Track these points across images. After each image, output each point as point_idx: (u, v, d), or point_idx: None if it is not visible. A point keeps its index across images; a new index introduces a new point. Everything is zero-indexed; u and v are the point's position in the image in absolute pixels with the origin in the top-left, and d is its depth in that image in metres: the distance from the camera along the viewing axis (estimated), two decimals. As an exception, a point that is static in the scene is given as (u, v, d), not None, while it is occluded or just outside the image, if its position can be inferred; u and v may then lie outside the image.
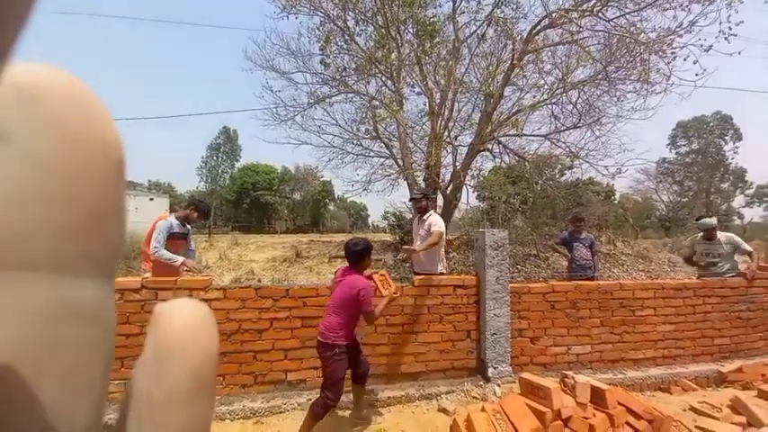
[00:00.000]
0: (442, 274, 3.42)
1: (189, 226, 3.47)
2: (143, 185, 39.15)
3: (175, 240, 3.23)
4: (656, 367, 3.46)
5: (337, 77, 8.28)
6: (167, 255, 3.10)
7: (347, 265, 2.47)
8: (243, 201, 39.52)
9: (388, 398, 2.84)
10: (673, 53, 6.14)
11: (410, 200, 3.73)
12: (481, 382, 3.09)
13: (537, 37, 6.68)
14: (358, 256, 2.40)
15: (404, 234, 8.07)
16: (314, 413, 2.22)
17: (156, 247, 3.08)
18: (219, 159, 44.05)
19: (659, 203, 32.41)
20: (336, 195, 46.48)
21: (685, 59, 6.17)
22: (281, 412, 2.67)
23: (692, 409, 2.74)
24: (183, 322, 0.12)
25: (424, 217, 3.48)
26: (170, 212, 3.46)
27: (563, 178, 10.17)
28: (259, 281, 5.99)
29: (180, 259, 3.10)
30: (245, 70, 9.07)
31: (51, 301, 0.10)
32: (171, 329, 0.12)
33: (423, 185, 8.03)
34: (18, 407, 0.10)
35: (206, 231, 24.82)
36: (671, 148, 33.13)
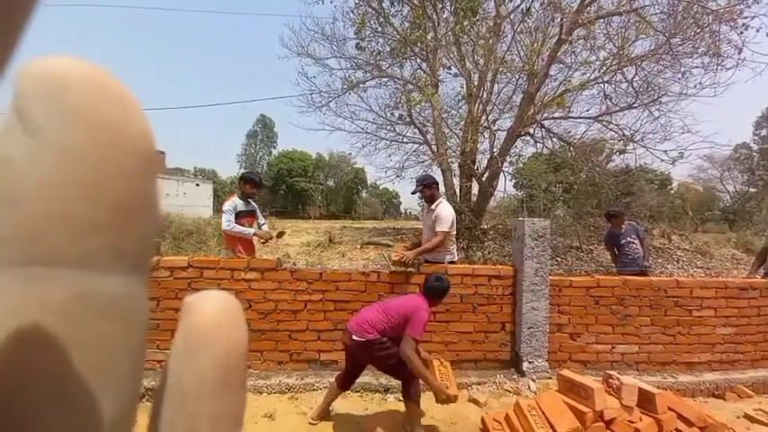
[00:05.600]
0: (452, 263, 3.28)
1: (253, 203, 3.55)
2: (189, 172, 41.80)
3: (241, 219, 3.37)
4: (711, 372, 3.17)
5: (371, 62, 8.15)
6: (238, 228, 3.24)
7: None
8: (279, 187, 40.97)
9: (418, 384, 2.85)
10: (744, 24, 5.39)
11: (412, 193, 3.48)
12: (515, 376, 3.00)
13: (589, 8, 6.09)
14: (436, 291, 2.33)
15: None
16: (413, 398, 2.26)
17: (227, 224, 3.24)
18: (257, 147, 45.84)
19: (723, 194, 29.16)
20: (369, 182, 46.77)
21: (758, 31, 5.42)
22: (314, 389, 2.78)
23: (746, 416, 2.59)
24: (212, 314, 0.12)
25: (432, 206, 3.25)
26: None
27: (611, 165, 9.39)
28: (294, 264, 6.22)
29: (251, 231, 3.24)
30: (282, 57, 9.14)
31: (74, 298, 0.10)
32: (200, 321, 0.12)
33: (457, 172, 7.80)
34: (42, 404, 0.10)
35: (246, 215, 26.20)
36: (755, 131, 29.27)
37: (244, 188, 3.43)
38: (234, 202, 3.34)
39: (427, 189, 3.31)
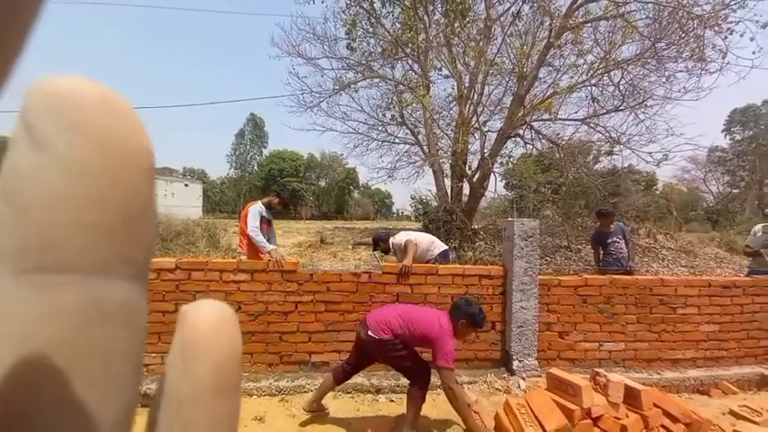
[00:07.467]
0: (446, 254, 3.57)
1: (270, 212, 3.67)
2: (178, 172, 41.09)
3: (263, 224, 3.49)
4: (695, 369, 3.25)
5: (363, 62, 8.15)
6: (261, 239, 3.29)
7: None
8: (270, 187, 40.58)
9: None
10: (729, 29, 5.56)
11: (373, 251, 4.26)
12: (505, 375, 3.03)
13: (577, 12, 6.20)
14: (464, 315, 2.17)
15: (429, 221, 7.98)
16: (416, 400, 2.22)
17: (253, 229, 3.31)
18: (247, 146, 45.35)
19: (707, 194, 30.04)
20: (361, 183, 46.69)
21: (742, 35, 5.60)
22: (305, 392, 2.75)
23: (732, 412, 2.62)
24: (208, 322, 0.13)
25: (392, 250, 3.65)
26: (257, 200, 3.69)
27: (598, 166, 9.56)
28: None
29: (269, 247, 3.24)
30: (273, 57, 9.08)
31: (83, 303, 0.11)
32: (196, 329, 0.13)
33: (449, 172, 7.86)
34: (48, 408, 0.10)
35: (237, 216, 25.88)
36: (726, 134, 30.41)
37: (272, 200, 3.65)
38: (260, 208, 3.48)
39: (377, 247, 3.80)
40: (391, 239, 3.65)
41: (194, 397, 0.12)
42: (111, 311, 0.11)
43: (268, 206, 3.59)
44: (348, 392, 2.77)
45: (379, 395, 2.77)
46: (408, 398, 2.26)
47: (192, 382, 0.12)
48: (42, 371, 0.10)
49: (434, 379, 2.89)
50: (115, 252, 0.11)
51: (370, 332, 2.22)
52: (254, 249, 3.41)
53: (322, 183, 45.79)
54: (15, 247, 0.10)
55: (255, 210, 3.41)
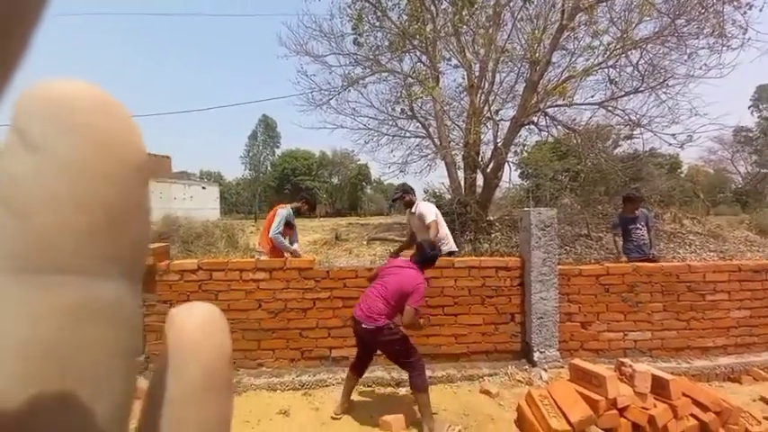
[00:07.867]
0: (451, 253, 3.44)
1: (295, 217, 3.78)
2: (195, 175, 42.07)
3: (287, 228, 3.60)
4: (726, 356, 3.14)
5: (370, 57, 8.10)
6: (282, 241, 3.41)
7: (403, 258, 2.55)
8: (284, 186, 41.14)
9: (429, 378, 2.84)
10: (748, 3, 5.30)
11: (393, 200, 3.91)
12: (526, 366, 3.00)
13: (591, -9, 5.96)
14: (431, 260, 2.47)
15: (443, 214, 7.93)
16: (421, 390, 2.29)
17: (277, 233, 3.42)
18: (259, 147, 45.98)
19: (735, 175, 28.62)
20: (373, 178, 46.70)
21: (761, 10, 5.36)
22: (326, 386, 2.81)
23: (762, 399, 2.57)
24: (197, 324, 0.13)
25: (413, 210, 3.51)
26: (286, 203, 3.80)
27: (618, 150, 9.23)
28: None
29: (292, 248, 3.37)
30: (281, 57, 9.12)
31: (77, 303, 0.11)
32: (185, 331, 0.13)
33: (461, 164, 7.76)
34: (40, 407, 0.10)
35: (253, 216, 26.37)
36: (753, 111, 28.79)
37: (302, 207, 3.75)
38: (288, 212, 3.57)
39: (406, 195, 3.58)
40: (418, 202, 3.56)
41: (184, 397, 0.12)
42: (102, 311, 0.11)
43: (297, 211, 3.67)
44: (369, 386, 2.81)
45: (400, 387, 2.79)
46: (413, 391, 2.32)
47: (182, 383, 0.12)
48: (38, 371, 0.10)
49: (454, 371, 2.91)
50: (106, 252, 0.11)
51: (363, 325, 2.28)
52: (276, 249, 3.50)
53: (335, 180, 46.04)
54: (13, 249, 0.10)
55: (283, 214, 3.49)
